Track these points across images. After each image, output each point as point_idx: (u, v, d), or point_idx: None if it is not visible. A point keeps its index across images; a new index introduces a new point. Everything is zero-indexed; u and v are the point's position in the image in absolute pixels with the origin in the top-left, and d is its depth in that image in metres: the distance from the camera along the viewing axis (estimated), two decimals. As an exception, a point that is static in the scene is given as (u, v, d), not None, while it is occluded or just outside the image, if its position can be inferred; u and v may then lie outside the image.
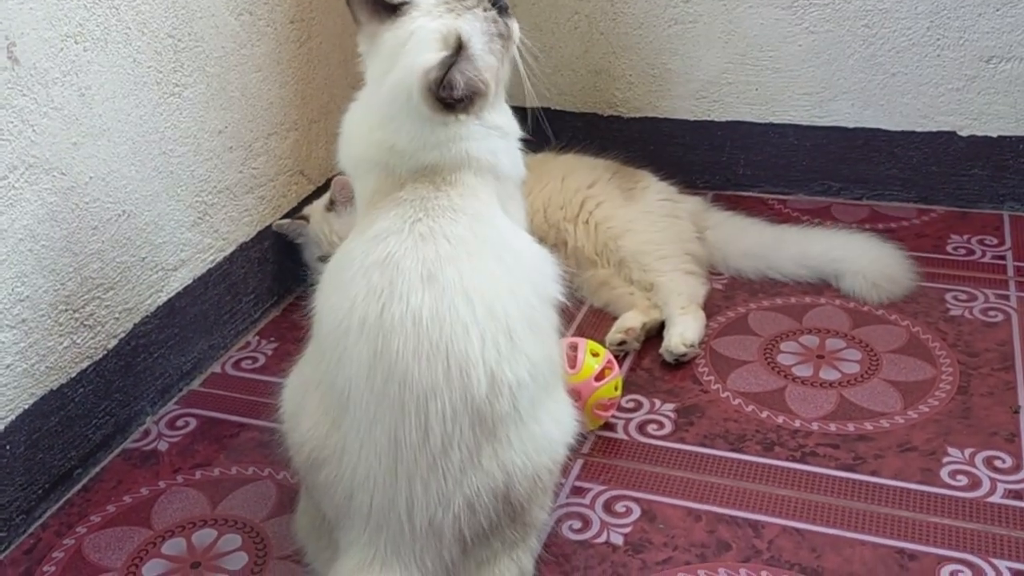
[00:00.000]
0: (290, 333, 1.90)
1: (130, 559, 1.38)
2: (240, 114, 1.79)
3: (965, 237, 2.06)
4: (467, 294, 1.12)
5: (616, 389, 1.54)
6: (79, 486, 1.52)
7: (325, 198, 1.93)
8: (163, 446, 1.61)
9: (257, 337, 1.90)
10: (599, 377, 1.51)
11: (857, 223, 2.14)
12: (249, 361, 1.83)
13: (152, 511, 1.46)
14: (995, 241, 2.04)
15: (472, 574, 1.20)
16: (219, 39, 1.70)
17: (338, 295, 1.16)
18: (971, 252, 2.01)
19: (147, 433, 1.64)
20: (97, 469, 1.55)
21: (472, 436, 1.12)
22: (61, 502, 1.49)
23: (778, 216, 2.19)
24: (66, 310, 1.45)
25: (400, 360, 1.10)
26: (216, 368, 1.80)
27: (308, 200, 2.01)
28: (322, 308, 1.20)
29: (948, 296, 1.86)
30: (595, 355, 1.53)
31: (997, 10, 1.98)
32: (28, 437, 1.41)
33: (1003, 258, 1.98)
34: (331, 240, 1.85)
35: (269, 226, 1.92)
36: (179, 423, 1.66)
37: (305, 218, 1.93)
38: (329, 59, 2.05)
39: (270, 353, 1.85)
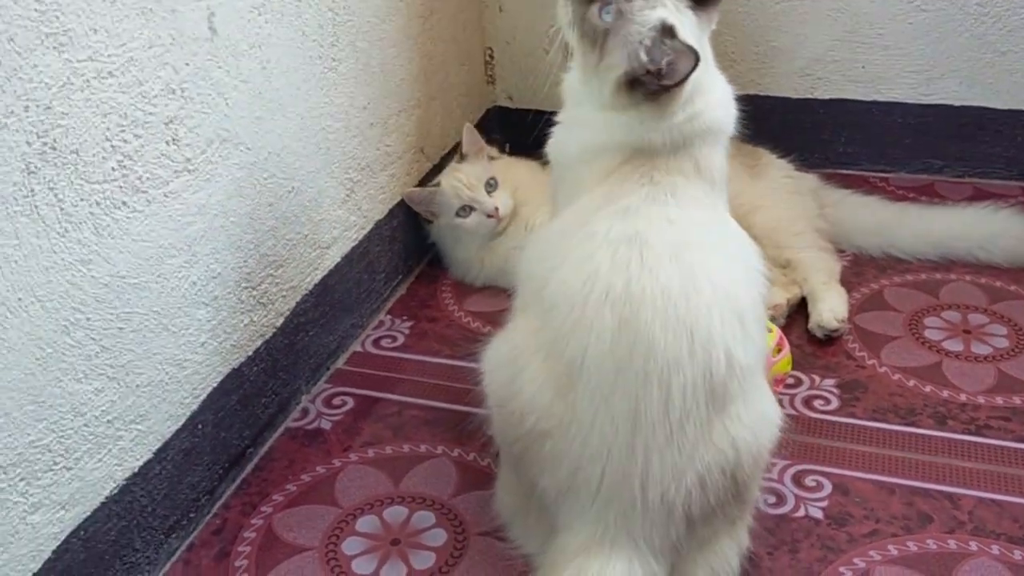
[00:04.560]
0: (421, 311, 1.89)
1: (326, 537, 1.36)
2: (380, 90, 1.76)
3: (1075, 214, 2.08)
4: (710, 276, 1.13)
5: (788, 364, 1.55)
6: (251, 465, 1.50)
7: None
8: (326, 424, 1.59)
9: (389, 316, 1.88)
10: (775, 352, 1.51)
11: (961, 201, 2.15)
12: (388, 340, 1.81)
13: (335, 489, 1.45)
14: (1106, 218, 2.06)
15: (695, 554, 1.20)
16: (366, 13, 1.68)
17: (574, 265, 1.15)
18: (1085, 229, 2.02)
19: (306, 412, 1.62)
20: (265, 448, 1.53)
21: (706, 412, 1.12)
22: (238, 482, 1.47)
23: (881, 195, 2.19)
24: (247, 287, 1.43)
25: (647, 331, 1.10)
26: (357, 347, 1.78)
27: (427, 178, 1.99)
28: (548, 277, 1.17)
29: (1076, 271, 1.88)
30: (769, 330, 1.53)
31: (1115, -12, 2.00)
32: (215, 416, 1.39)
33: (1118, 234, 2.00)
34: (469, 185, 1.85)
35: (399, 203, 1.89)
36: (336, 401, 1.64)
37: (436, 184, 1.91)
38: (445, 35, 2.03)
39: (407, 332, 1.83)
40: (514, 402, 1.20)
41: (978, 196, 2.17)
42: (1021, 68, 2.13)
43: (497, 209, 1.84)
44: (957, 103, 2.21)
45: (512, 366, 1.22)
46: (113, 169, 1.15)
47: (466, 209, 1.86)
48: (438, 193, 1.88)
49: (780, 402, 1.56)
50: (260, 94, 1.40)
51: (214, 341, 1.37)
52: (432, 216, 1.91)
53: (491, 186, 1.87)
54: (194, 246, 1.30)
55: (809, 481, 1.42)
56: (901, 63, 2.20)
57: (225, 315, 1.39)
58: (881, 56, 2.21)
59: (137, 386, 1.24)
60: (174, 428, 1.32)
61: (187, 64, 1.24)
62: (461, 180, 1.86)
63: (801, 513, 1.37)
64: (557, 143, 1.29)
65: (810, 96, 2.30)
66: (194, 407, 1.34)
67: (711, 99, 1.20)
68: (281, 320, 1.54)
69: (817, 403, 1.58)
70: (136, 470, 1.25)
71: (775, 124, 2.34)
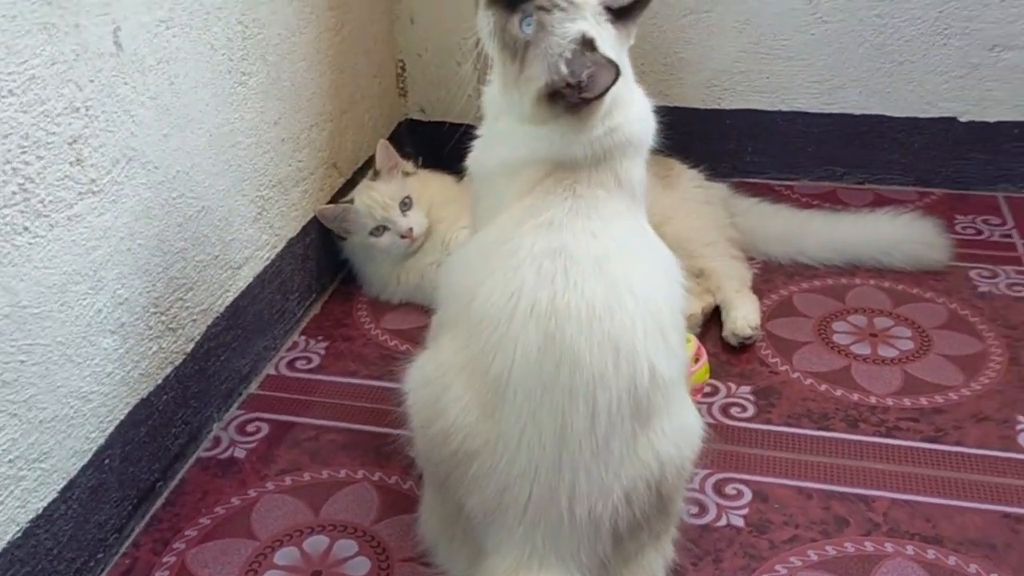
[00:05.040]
0: (336, 331, 1.85)
1: (243, 572, 1.32)
2: (291, 104, 1.72)
3: (969, 217, 2.17)
4: (633, 289, 1.13)
5: (706, 373, 1.57)
6: (162, 499, 1.44)
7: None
8: (240, 453, 1.54)
9: (303, 337, 1.83)
10: (693, 361, 1.52)
11: (862, 207, 2.23)
12: (303, 361, 1.76)
13: (251, 520, 1.40)
14: (998, 221, 2.15)
15: (621, 569, 1.20)
16: (276, 26, 1.64)
17: (499, 279, 1.13)
18: (979, 232, 2.12)
19: (218, 441, 1.56)
20: (176, 481, 1.47)
21: (631, 427, 1.13)
22: (148, 517, 1.41)
23: (786, 202, 2.25)
24: (155, 312, 1.38)
25: (573, 345, 1.09)
26: (270, 370, 1.74)
27: (340, 193, 1.95)
28: (474, 291, 1.15)
29: (972, 273, 1.96)
30: (687, 340, 1.54)
31: (1002, 0, 2.09)
32: (122, 449, 1.33)
33: (1010, 236, 2.09)
34: (383, 204, 1.81)
35: (311, 220, 1.85)
36: (249, 428, 1.59)
37: (349, 201, 1.87)
38: (356, 48, 2.00)
39: (323, 352, 1.79)
40: (439, 422, 1.18)
41: (878, 202, 2.25)
42: (917, 77, 2.21)
43: (411, 230, 1.81)
44: (857, 112, 2.28)
45: (436, 385, 1.19)
46: (14, 193, 1.09)
47: (380, 229, 1.82)
48: (351, 211, 1.84)
49: (699, 411, 1.59)
50: (168, 110, 1.35)
51: (121, 371, 1.31)
52: (345, 233, 1.87)
53: (406, 205, 1.84)
54: (99, 271, 1.24)
55: (729, 489, 1.44)
56: (804, 74, 2.27)
57: (132, 343, 1.33)
58: (785, 67, 2.27)
59: (40, 422, 1.17)
60: (80, 465, 1.25)
61: (92, 81, 1.19)
62: (375, 199, 1.82)
63: (723, 522, 1.38)
64: (478, 157, 1.28)
65: (717, 107, 2.34)
66: (100, 441, 1.28)
67: (630, 112, 1.21)
68: (191, 345, 1.48)
69: (734, 411, 1.61)
70: (40, 511, 1.19)
71: (684, 135, 2.34)
